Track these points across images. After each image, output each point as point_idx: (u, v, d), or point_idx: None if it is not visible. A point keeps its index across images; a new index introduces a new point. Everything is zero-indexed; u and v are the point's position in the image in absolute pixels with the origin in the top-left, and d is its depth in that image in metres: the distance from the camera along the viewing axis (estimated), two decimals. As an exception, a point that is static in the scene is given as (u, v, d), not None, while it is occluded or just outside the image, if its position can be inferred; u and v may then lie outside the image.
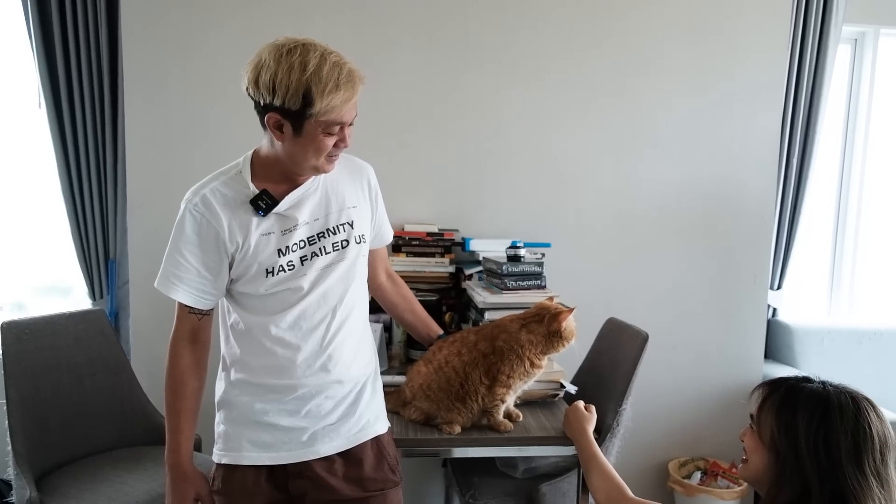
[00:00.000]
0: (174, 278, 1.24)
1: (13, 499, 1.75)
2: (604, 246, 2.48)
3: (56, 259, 2.53)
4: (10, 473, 1.76)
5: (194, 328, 1.28)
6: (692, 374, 2.56)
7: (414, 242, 2.23)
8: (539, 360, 1.51)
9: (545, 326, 1.49)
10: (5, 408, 1.79)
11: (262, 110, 1.18)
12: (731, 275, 2.55)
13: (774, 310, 2.82)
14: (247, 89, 1.18)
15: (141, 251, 2.29)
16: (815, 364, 2.64)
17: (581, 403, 1.53)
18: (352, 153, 1.44)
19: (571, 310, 1.52)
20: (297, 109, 1.14)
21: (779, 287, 2.78)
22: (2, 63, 2.49)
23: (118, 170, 2.36)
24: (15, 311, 2.59)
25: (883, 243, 2.98)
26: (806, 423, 0.98)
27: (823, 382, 1.03)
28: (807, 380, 1.05)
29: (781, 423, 1.00)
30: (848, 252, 2.95)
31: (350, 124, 1.22)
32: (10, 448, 1.75)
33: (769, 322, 2.77)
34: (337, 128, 1.19)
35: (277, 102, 1.14)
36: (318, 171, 1.24)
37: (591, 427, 1.46)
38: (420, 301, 2.13)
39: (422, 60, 2.35)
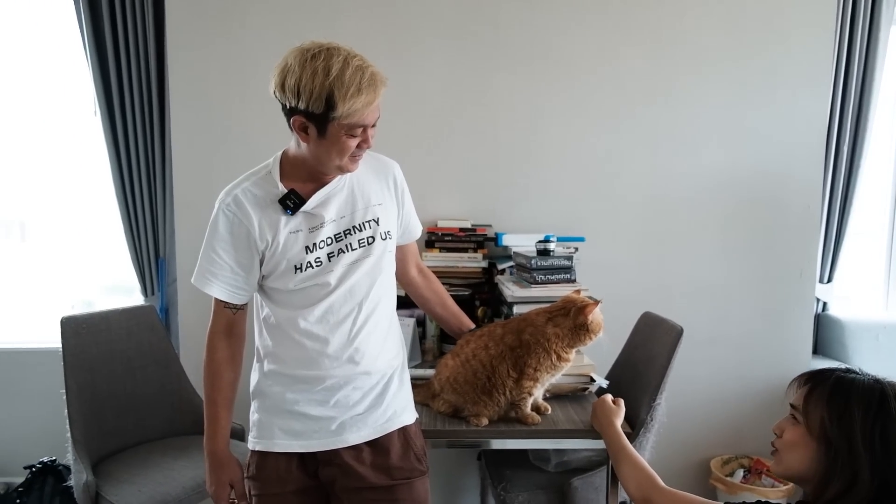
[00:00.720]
0: (209, 275, 1.31)
1: (72, 482, 1.87)
2: (640, 240, 2.45)
3: (120, 259, 2.67)
4: (70, 459, 1.88)
5: (229, 322, 1.35)
6: (734, 370, 2.49)
7: (447, 238, 2.26)
8: (566, 353, 1.51)
9: (571, 319, 1.49)
10: (65, 397, 1.91)
11: (288, 113, 1.23)
12: (775, 268, 2.46)
13: (825, 304, 2.71)
14: (274, 93, 1.22)
15: (188, 250, 2.41)
16: (868, 360, 2.52)
17: (609, 397, 1.52)
18: (386, 151, 1.47)
19: (598, 302, 1.51)
20: (320, 113, 1.18)
21: (829, 280, 2.67)
22: (61, 75, 2.66)
23: (167, 172, 2.48)
24: (85, 309, 2.75)
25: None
26: (862, 414, 0.96)
27: (872, 375, 1.02)
28: (851, 371, 1.04)
29: (834, 414, 0.99)
30: (906, 243, 2.81)
31: (373, 125, 1.25)
32: (69, 435, 1.87)
33: (819, 317, 2.66)
34: (360, 129, 1.23)
35: (302, 106, 1.18)
36: (342, 170, 1.28)
37: (619, 420, 1.45)
38: (453, 296, 2.15)
39: (453, 58, 2.37)
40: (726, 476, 2.38)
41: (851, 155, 2.59)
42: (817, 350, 2.64)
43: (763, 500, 1.08)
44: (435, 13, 2.35)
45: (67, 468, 2.33)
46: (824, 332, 2.67)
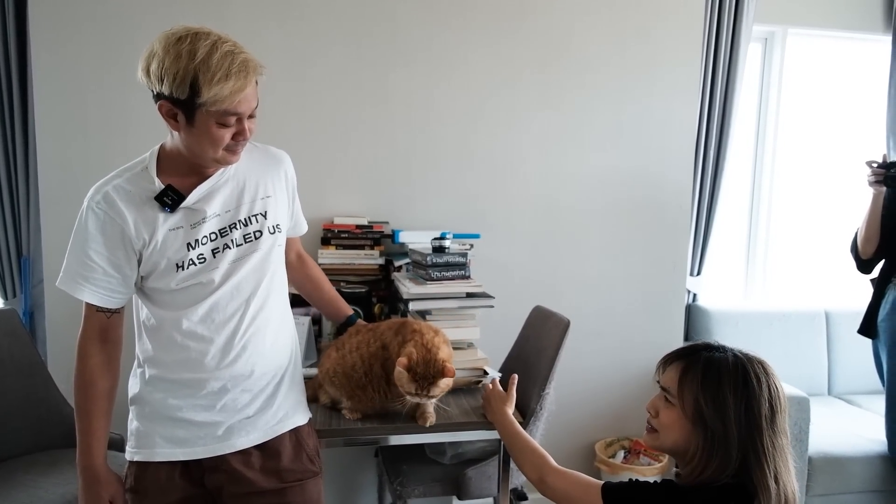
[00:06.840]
0: (79, 278, 1.21)
1: (-85, 510, 1.66)
2: (533, 237, 2.55)
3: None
4: (-89, 484, 1.67)
5: (103, 327, 1.25)
6: (617, 359, 2.67)
7: (343, 235, 2.23)
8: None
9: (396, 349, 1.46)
10: None
11: (155, 98, 1.16)
12: (653, 262, 2.67)
13: (695, 295, 2.97)
14: (140, 78, 1.15)
15: (56, 248, 2.20)
16: (730, 345, 2.79)
17: (498, 384, 1.56)
18: (285, 147, 1.43)
19: (406, 361, 1.42)
20: (185, 99, 1.12)
21: (698, 273, 2.92)
22: None
23: (29, 163, 2.25)
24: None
25: (791, 231, 3.17)
26: (733, 395, 1.03)
27: (727, 349, 1.09)
28: (712, 348, 1.10)
29: (709, 396, 1.05)
30: (761, 240, 3.14)
31: (251, 116, 1.20)
32: None
33: (689, 307, 2.92)
34: (232, 119, 1.16)
35: (166, 91, 1.12)
36: (219, 162, 1.22)
37: (510, 407, 1.50)
38: (350, 293, 2.14)
39: (351, 56, 2.34)
40: (609, 458, 2.55)
41: (717, 159, 2.86)
42: (688, 337, 2.89)
43: (636, 478, 1.16)
44: (331, 11, 2.31)
45: None
46: (694, 320, 2.92)
